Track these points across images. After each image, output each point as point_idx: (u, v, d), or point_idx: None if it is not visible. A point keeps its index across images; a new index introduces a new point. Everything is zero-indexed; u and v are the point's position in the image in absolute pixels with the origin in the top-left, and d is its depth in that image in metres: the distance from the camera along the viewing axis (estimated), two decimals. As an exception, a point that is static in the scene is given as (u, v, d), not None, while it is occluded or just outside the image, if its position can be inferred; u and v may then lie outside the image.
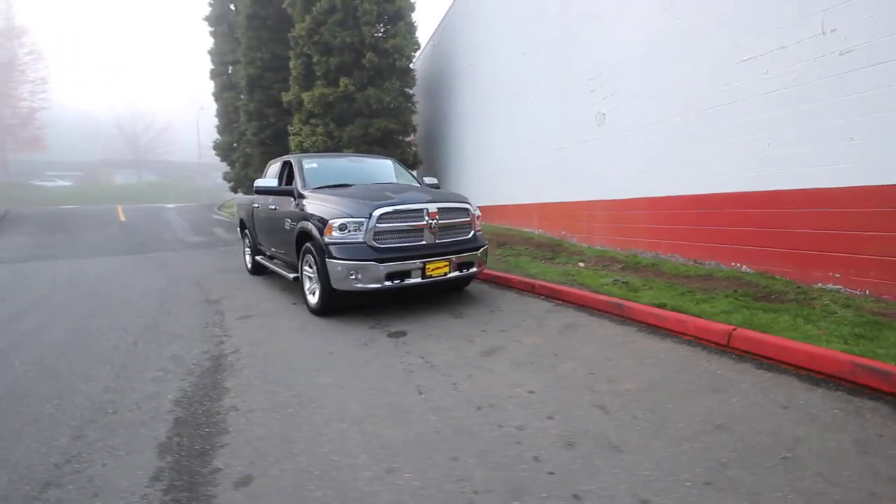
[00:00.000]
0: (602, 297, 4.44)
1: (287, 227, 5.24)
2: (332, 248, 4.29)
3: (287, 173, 5.88)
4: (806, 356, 2.85)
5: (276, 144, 15.05)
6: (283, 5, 13.57)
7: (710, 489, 1.80)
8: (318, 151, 12.21)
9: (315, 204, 4.74)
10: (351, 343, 3.78)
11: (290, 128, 12.99)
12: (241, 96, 17.01)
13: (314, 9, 12.14)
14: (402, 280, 4.32)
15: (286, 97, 13.19)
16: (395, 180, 5.90)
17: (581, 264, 6.50)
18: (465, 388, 2.82)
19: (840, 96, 3.95)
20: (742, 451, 2.03)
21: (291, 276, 5.27)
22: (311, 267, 4.78)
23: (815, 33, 4.09)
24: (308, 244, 4.68)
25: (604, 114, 6.94)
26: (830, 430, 2.18)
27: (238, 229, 8.18)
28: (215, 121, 17.72)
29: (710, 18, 5.12)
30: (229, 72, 17.15)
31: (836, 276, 4.10)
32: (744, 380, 2.76)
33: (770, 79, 4.50)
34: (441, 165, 13.74)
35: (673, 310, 4.01)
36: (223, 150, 17.39)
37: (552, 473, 1.94)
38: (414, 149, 13.44)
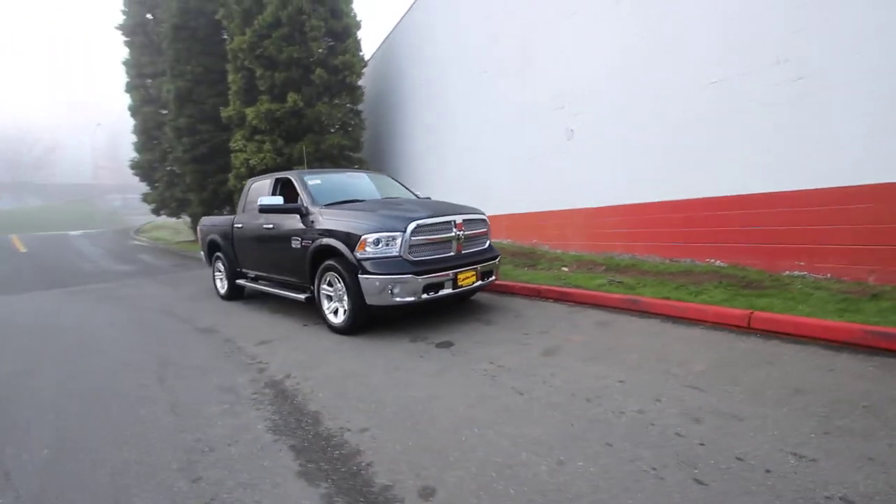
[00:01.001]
0: (616, 296, 4.86)
1: (295, 245, 5.04)
2: (366, 263, 4.24)
3: (281, 191, 5.66)
4: (821, 329, 3.42)
5: (210, 162, 14.09)
6: (217, 17, 12.90)
7: (833, 437, 2.16)
8: (268, 169, 11.70)
9: (335, 220, 4.65)
10: (407, 357, 3.77)
11: (232, 144, 12.27)
12: (163, 111, 15.73)
13: (256, 22, 11.70)
14: (437, 292, 4.38)
15: (226, 112, 12.47)
16: (394, 194, 5.92)
17: (565, 269, 6.96)
18: (559, 385, 2.99)
19: (796, 114, 4.78)
20: (831, 406, 2.44)
21: (303, 296, 5.07)
22: (330, 285, 4.66)
23: (772, 62, 4.92)
24: (330, 262, 4.56)
25: (573, 129, 7.54)
26: (879, 382, 2.69)
27: (203, 253, 7.60)
28: (132, 138, 16.04)
29: (676, 46, 5.88)
30: (148, 84, 15.70)
31: (801, 263, 4.89)
32: (783, 353, 3.25)
33: (735, 98, 5.30)
34: (392, 181, 13.76)
35: (678, 301, 4.53)
36: (143, 169, 15.75)
37: (703, 444, 2.18)
38: (365, 165, 13.36)
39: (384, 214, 4.49)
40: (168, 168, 15.56)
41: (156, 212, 16.10)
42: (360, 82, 13.09)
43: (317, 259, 4.78)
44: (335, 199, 5.17)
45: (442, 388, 3.10)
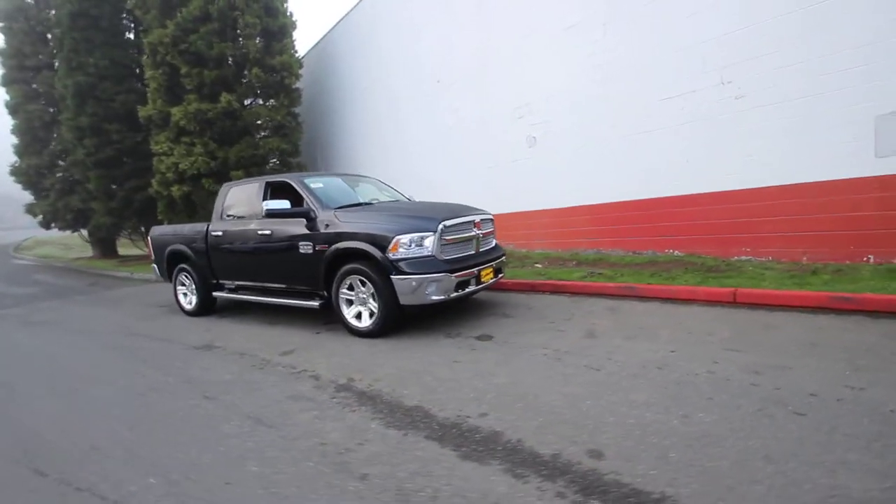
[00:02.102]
0: (613, 284, 5.44)
1: (305, 250, 4.85)
2: (401, 263, 4.28)
3: (272, 195, 5.39)
4: (795, 298, 4.24)
5: (119, 166, 12.55)
6: (128, 6, 11.62)
7: (863, 372, 2.79)
8: (201, 173, 10.83)
9: (358, 223, 4.60)
10: (458, 351, 3.89)
11: (155, 147, 11.09)
12: (51, 109, 13.66)
13: (179, 15, 10.78)
14: (464, 289, 4.56)
15: (144, 111, 11.27)
16: (385, 197, 5.93)
17: (538, 265, 7.49)
18: (623, 360, 3.36)
19: (738, 126, 5.77)
20: (845, 351, 3.12)
21: (316, 303, 4.90)
22: (351, 289, 4.61)
23: (716, 82, 5.88)
24: (353, 265, 4.51)
25: (535, 137, 8.15)
26: (860, 332, 3.46)
27: (157, 267, 6.84)
28: (11, 139, 13.46)
29: (632, 65, 6.71)
30: (31, 77, 13.36)
31: (747, 250, 5.90)
32: (776, 319, 3.98)
33: (685, 113, 6.22)
34: (333, 187, 13.40)
35: (669, 286, 5.23)
36: (27, 176, 13.31)
37: (778, 389, 2.68)
38: (304, 170, 12.88)
39: (411, 216, 4.57)
40: (61, 174, 13.48)
41: (45, 225, 13.75)
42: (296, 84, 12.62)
43: (334, 263, 4.68)
44: (342, 202, 5.09)
45: (520, 373, 3.30)
